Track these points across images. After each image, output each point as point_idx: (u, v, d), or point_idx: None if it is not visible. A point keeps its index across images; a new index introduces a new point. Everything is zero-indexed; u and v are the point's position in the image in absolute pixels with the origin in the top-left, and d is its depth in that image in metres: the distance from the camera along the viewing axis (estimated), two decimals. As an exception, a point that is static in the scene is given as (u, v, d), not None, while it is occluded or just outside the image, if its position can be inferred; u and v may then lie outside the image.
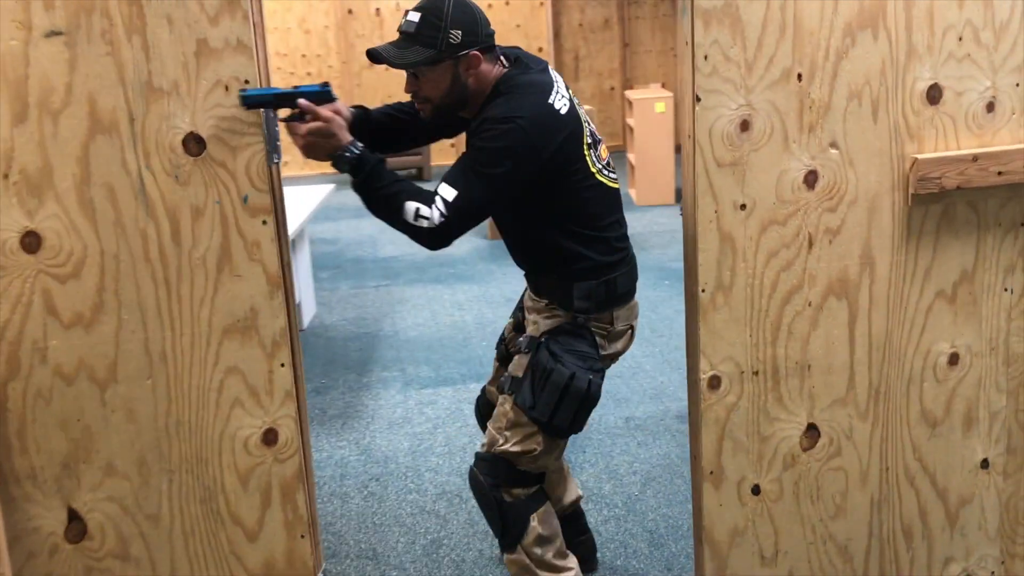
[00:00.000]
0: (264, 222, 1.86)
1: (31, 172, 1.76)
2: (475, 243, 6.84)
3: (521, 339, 2.27)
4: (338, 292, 5.67)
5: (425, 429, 3.58)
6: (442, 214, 1.97)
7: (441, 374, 4.15)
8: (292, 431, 1.97)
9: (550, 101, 2.08)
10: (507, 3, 11.24)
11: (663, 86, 10.40)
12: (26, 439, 1.85)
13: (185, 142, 1.80)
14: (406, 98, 2.23)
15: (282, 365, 1.92)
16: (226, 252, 1.85)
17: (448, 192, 1.99)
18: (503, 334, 2.54)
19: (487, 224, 7.14)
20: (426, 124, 2.25)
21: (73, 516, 1.90)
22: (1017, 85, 2.04)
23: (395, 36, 2.12)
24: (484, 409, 2.57)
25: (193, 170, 1.81)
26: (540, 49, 10.80)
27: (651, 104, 7.57)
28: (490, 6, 11.17)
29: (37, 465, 1.87)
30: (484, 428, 2.60)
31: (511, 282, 5.64)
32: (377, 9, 10.16)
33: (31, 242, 1.78)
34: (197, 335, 1.88)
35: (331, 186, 5.47)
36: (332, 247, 6.89)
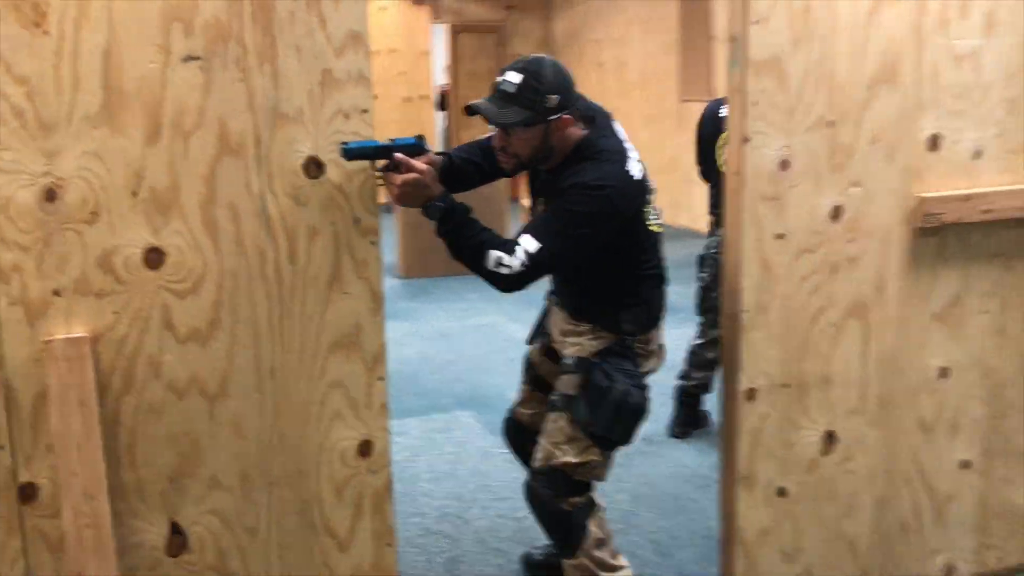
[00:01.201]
0: (372, 242, 1.97)
1: (160, 190, 1.81)
2: (388, 283, 6.92)
3: (567, 360, 2.42)
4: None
5: (404, 457, 3.66)
6: (523, 263, 2.14)
7: (402, 406, 4.23)
8: (385, 442, 2.06)
9: (628, 168, 2.27)
10: (392, 51, 11.46)
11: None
12: (135, 453, 1.87)
13: (306, 166, 1.89)
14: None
15: (380, 378, 2.03)
16: (337, 271, 1.95)
17: (531, 244, 2.15)
18: (529, 359, 2.69)
19: (397, 264, 7.25)
20: (499, 166, 2.40)
21: (175, 530, 1.92)
22: (996, 135, 2.40)
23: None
24: (514, 431, 2.70)
25: (312, 192, 1.91)
26: (423, 96, 11.12)
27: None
28: (377, 52, 11.35)
29: (144, 479, 1.88)
30: (515, 449, 2.74)
31: (439, 317, 5.76)
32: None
33: (154, 258, 1.82)
34: (305, 350, 1.95)
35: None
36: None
